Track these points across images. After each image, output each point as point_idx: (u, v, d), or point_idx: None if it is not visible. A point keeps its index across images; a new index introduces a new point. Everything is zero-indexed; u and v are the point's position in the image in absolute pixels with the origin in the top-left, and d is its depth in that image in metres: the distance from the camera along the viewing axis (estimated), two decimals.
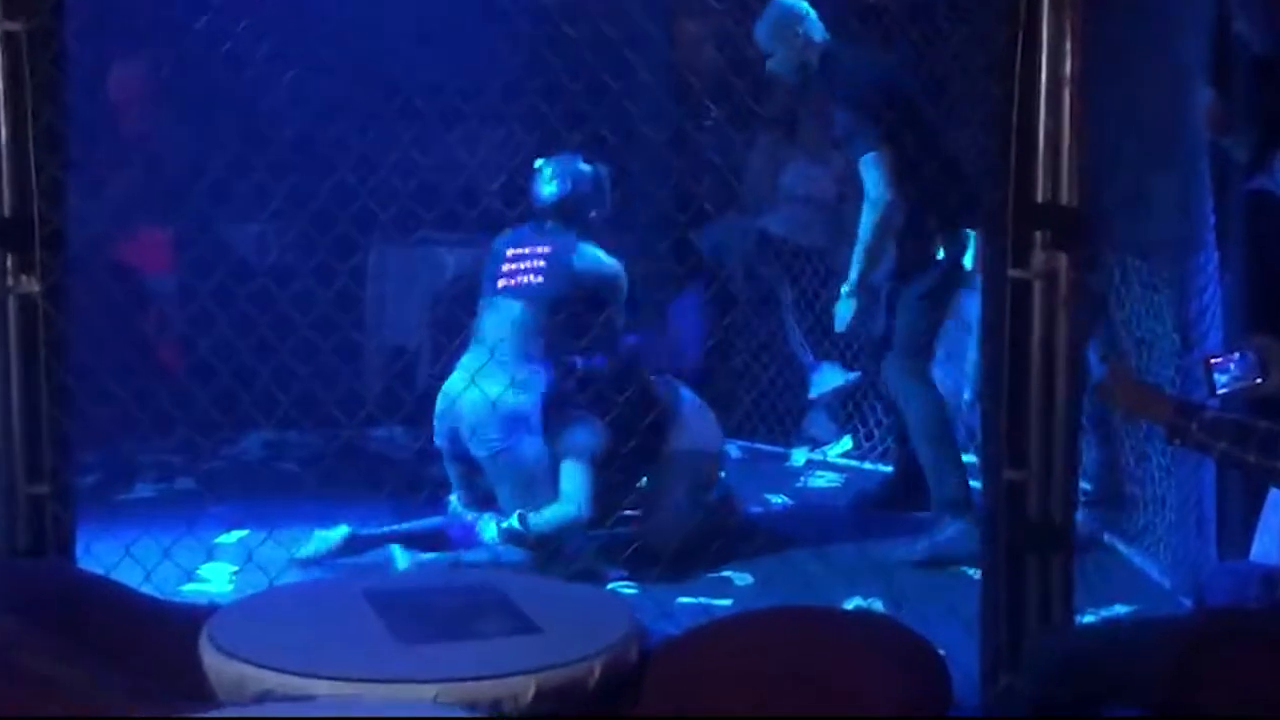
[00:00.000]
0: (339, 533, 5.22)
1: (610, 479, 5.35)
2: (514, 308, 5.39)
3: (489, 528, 5.26)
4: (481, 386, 5.18)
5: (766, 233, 6.96)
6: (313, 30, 6.19)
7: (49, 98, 3.54)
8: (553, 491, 5.28)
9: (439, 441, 5.41)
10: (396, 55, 6.17)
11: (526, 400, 5.26)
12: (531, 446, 5.26)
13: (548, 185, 5.49)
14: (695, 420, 5.52)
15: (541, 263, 5.45)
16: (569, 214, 5.47)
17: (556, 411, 5.35)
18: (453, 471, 5.43)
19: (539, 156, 5.60)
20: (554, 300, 5.37)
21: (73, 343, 3.68)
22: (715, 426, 5.66)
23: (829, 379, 6.61)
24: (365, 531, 5.30)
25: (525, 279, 5.43)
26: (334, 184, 5.27)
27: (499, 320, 5.38)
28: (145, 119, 6.91)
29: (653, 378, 5.56)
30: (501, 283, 5.46)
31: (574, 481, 5.29)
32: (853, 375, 6.60)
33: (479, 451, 5.27)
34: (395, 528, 5.40)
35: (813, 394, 6.62)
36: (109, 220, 6.72)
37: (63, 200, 3.58)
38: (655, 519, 5.40)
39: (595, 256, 5.46)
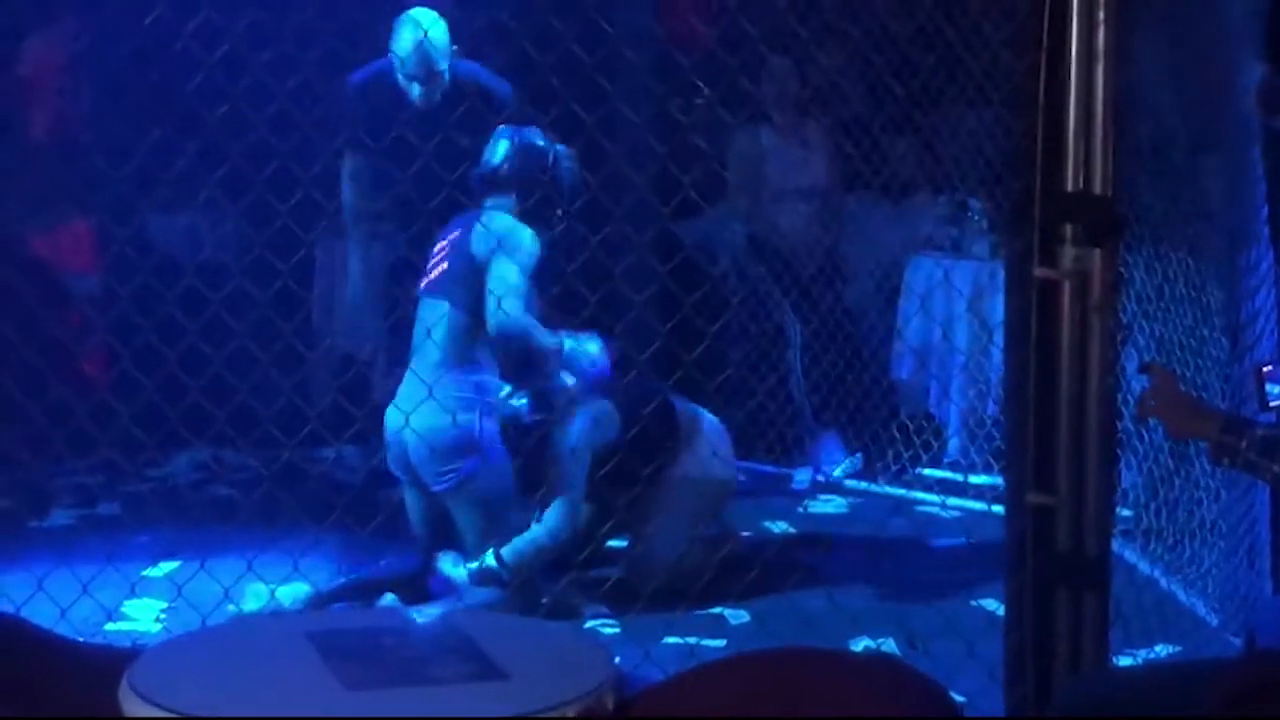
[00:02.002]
0: (296, 591, 5.18)
1: (604, 498, 5.36)
2: (439, 309, 5.35)
3: (447, 564, 5.25)
4: (415, 420, 5.15)
5: (757, 236, 7.02)
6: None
7: None
8: (522, 514, 5.28)
9: (393, 469, 5.41)
10: (343, 24, 6.17)
11: (471, 419, 5.23)
12: (491, 471, 5.24)
13: (491, 155, 5.46)
14: (711, 445, 5.53)
15: (448, 249, 5.40)
16: (504, 188, 5.39)
17: (543, 402, 5.33)
18: (411, 501, 5.42)
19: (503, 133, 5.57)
20: (461, 286, 5.30)
21: None
22: (731, 454, 5.68)
23: (832, 458, 6.70)
24: (330, 588, 5.28)
25: (437, 270, 5.40)
26: (274, 170, 5.26)
27: (425, 328, 5.34)
28: (62, 97, 6.90)
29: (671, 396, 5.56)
30: (424, 282, 5.43)
31: (559, 493, 5.27)
32: (857, 457, 6.69)
33: (436, 486, 5.27)
34: (362, 574, 5.38)
35: (802, 483, 6.70)
36: (21, 212, 6.71)
37: None
38: (644, 549, 5.40)
39: (505, 221, 5.34)
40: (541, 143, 5.47)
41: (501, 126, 5.55)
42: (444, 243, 5.44)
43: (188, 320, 5.29)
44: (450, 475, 5.23)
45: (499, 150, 5.46)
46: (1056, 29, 3.44)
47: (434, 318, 5.33)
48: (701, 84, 6.03)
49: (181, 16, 5.78)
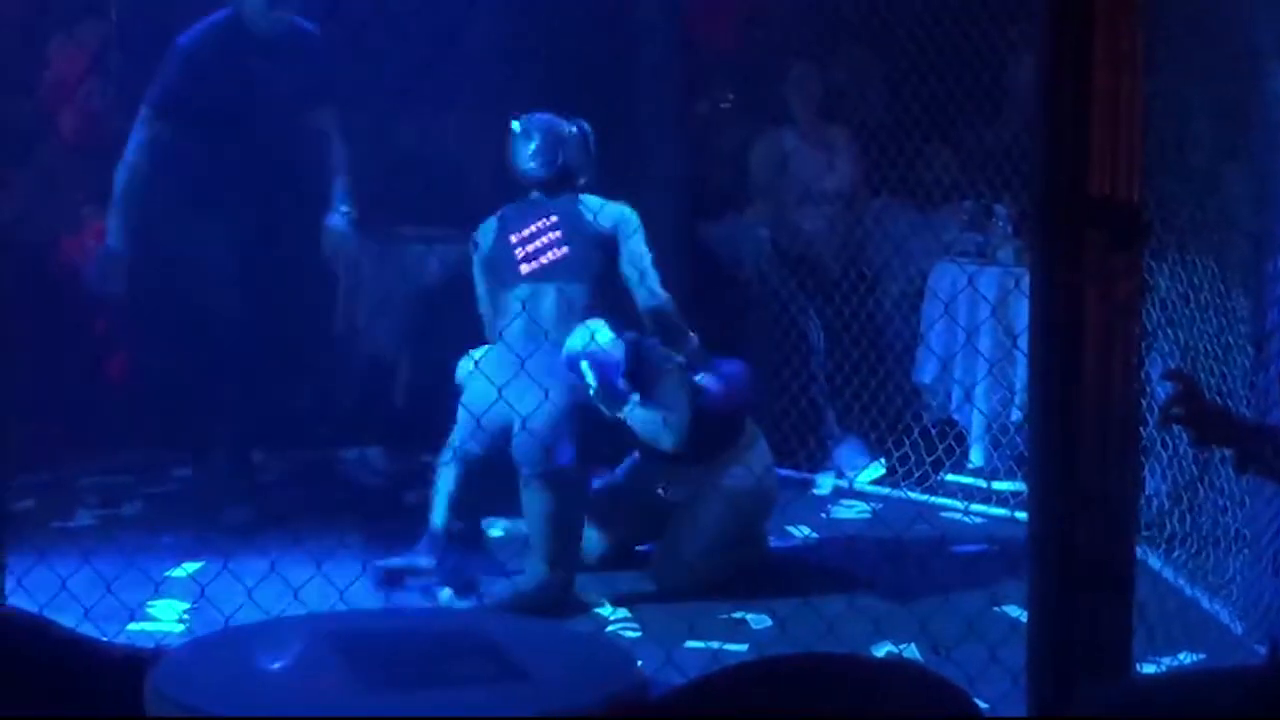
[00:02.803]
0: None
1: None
2: (548, 292, 5.37)
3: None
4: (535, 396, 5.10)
5: (780, 241, 7.02)
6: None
7: None
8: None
9: (464, 442, 5.35)
10: (364, 29, 6.19)
11: (572, 404, 5.21)
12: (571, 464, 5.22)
13: (531, 159, 5.46)
14: (765, 462, 5.54)
15: (557, 233, 5.42)
16: (559, 185, 5.46)
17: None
18: (454, 476, 5.37)
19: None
20: (589, 267, 5.37)
21: (7, 352, 3.68)
22: (775, 470, 5.68)
23: (854, 464, 6.68)
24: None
25: (550, 256, 5.41)
26: (300, 174, 5.28)
27: (540, 312, 5.33)
28: (89, 97, 6.91)
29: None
30: (525, 268, 5.43)
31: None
32: (879, 463, 6.67)
33: (529, 470, 5.21)
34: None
35: (824, 488, 6.69)
36: (48, 213, 6.72)
37: None
38: (674, 550, 5.40)
39: (599, 201, 5.46)
40: (570, 128, 5.51)
41: (516, 121, 5.54)
42: (533, 229, 5.44)
43: (216, 321, 5.32)
44: (543, 463, 5.16)
45: (536, 153, 5.46)
46: (1082, 33, 3.43)
47: (548, 300, 5.36)
48: (727, 87, 6.03)
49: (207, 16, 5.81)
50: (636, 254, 5.40)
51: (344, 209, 5.99)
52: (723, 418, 5.38)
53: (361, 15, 5.98)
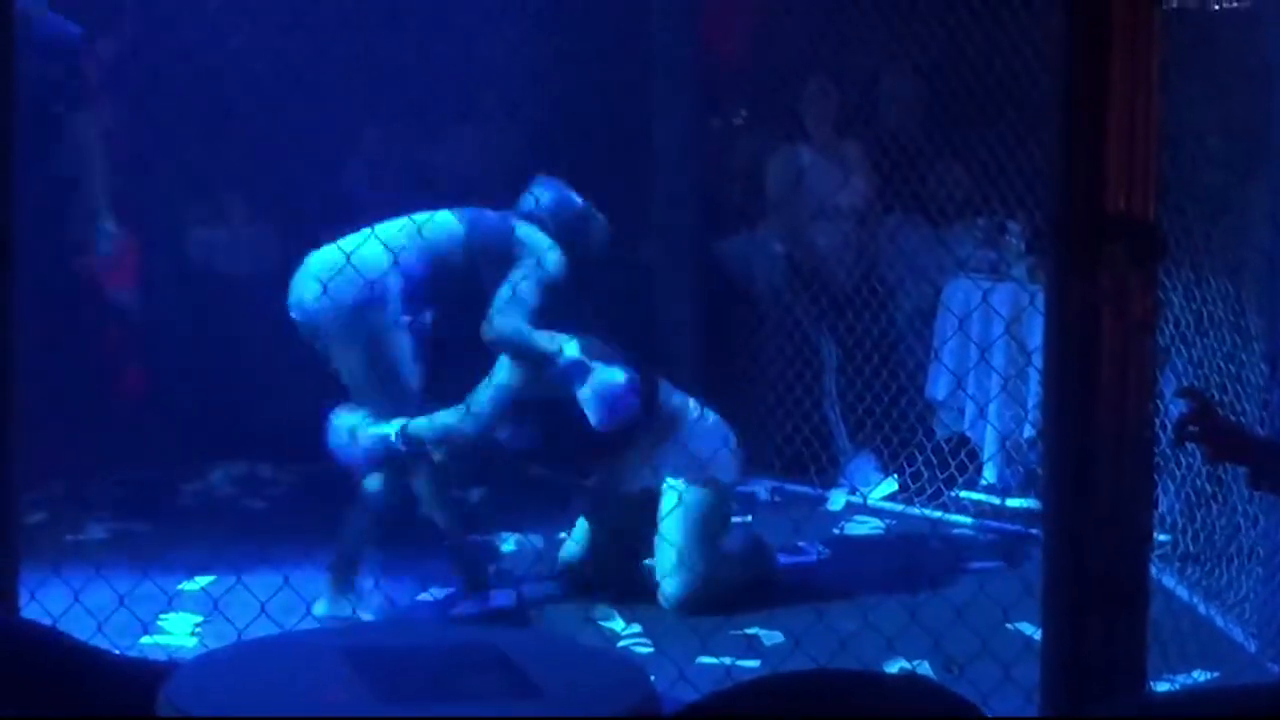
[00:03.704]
0: None
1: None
2: None
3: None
4: None
5: (793, 257, 7.02)
6: (285, 20, 6.23)
7: None
8: None
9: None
10: (381, 47, 6.21)
11: None
12: None
13: (530, 201, 5.52)
14: (704, 442, 5.49)
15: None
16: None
17: None
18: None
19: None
20: None
21: (22, 365, 3.68)
22: (734, 456, 5.63)
23: (867, 480, 6.67)
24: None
25: None
26: (311, 186, 5.29)
27: None
28: (108, 112, 6.93)
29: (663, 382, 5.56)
30: None
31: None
32: (892, 479, 6.67)
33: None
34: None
35: (836, 504, 6.68)
36: (63, 226, 6.73)
37: (9, 206, 3.57)
38: (662, 568, 5.40)
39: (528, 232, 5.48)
40: (579, 202, 5.53)
41: (542, 177, 5.59)
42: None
43: (227, 333, 5.33)
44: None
45: (541, 200, 5.50)
46: (1099, 50, 3.43)
47: None
48: (740, 103, 6.03)
49: (224, 31, 5.84)
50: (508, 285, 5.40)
51: (105, 226, 5.96)
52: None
53: (380, 28, 6.00)
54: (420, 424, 5.27)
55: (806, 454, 6.96)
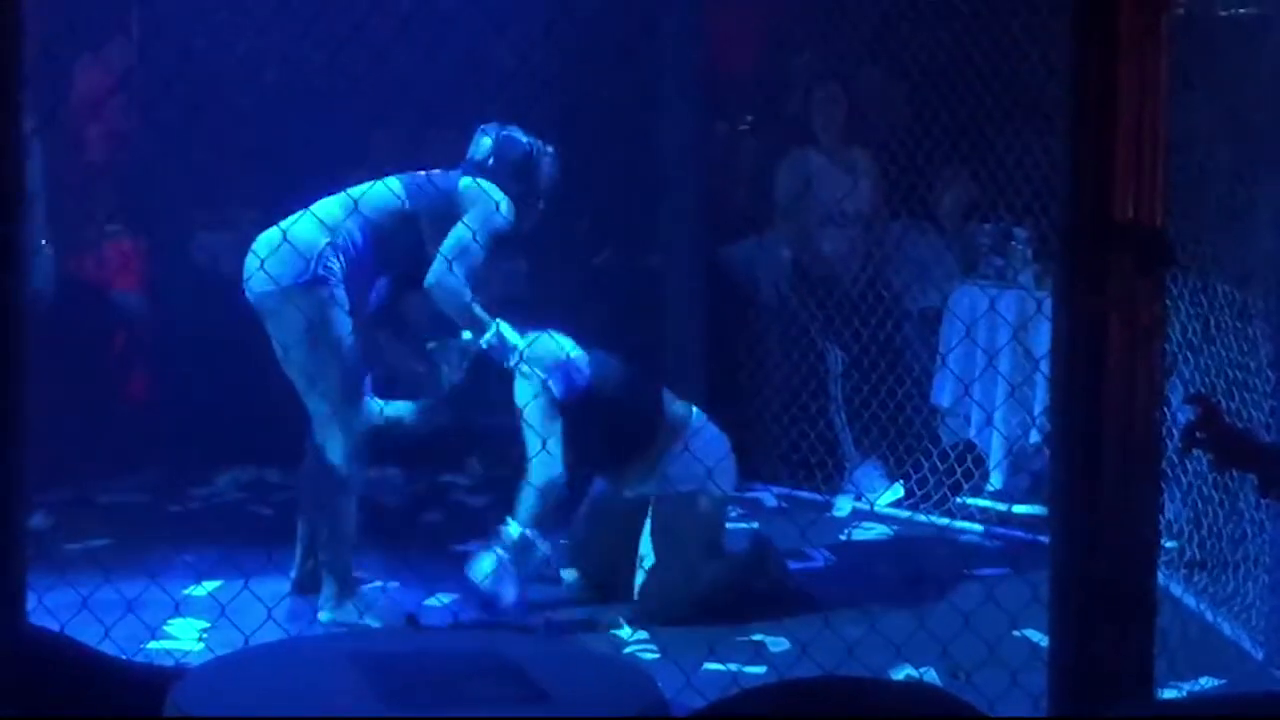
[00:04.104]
0: None
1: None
2: None
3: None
4: None
5: (800, 263, 7.02)
6: (293, 23, 6.22)
7: (1, 96, 3.55)
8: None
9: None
10: (389, 51, 6.21)
11: None
12: None
13: (474, 150, 5.52)
14: (707, 451, 5.48)
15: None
16: (488, 178, 5.45)
17: None
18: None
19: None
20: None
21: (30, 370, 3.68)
22: (729, 466, 5.61)
23: (873, 486, 6.67)
24: None
25: None
26: (318, 191, 5.29)
27: None
28: (117, 117, 6.95)
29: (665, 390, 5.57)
30: None
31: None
32: (898, 485, 6.66)
33: None
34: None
35: (842, 511, 6.68)
36: (71, 231, 6.75)
37: (17, 210, 3.58)
38: (655, 578, 5.40)
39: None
40: (524, 139, 5.51)
41: (484, 125, 5.57)
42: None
43: (235, 337, 5.32)
44: None
45: (482, 145, 5.50)
46: (1107, 58, 3.43)
47: None
48: (746, 108, 6.03)
49: (232, 37, 5.84)
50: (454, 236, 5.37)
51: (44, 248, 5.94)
52: (624, 413, 5.38)
53: (387, 37, 6.00)
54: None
55: (813, 460, 6.96)
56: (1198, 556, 5.51)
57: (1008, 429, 6.64)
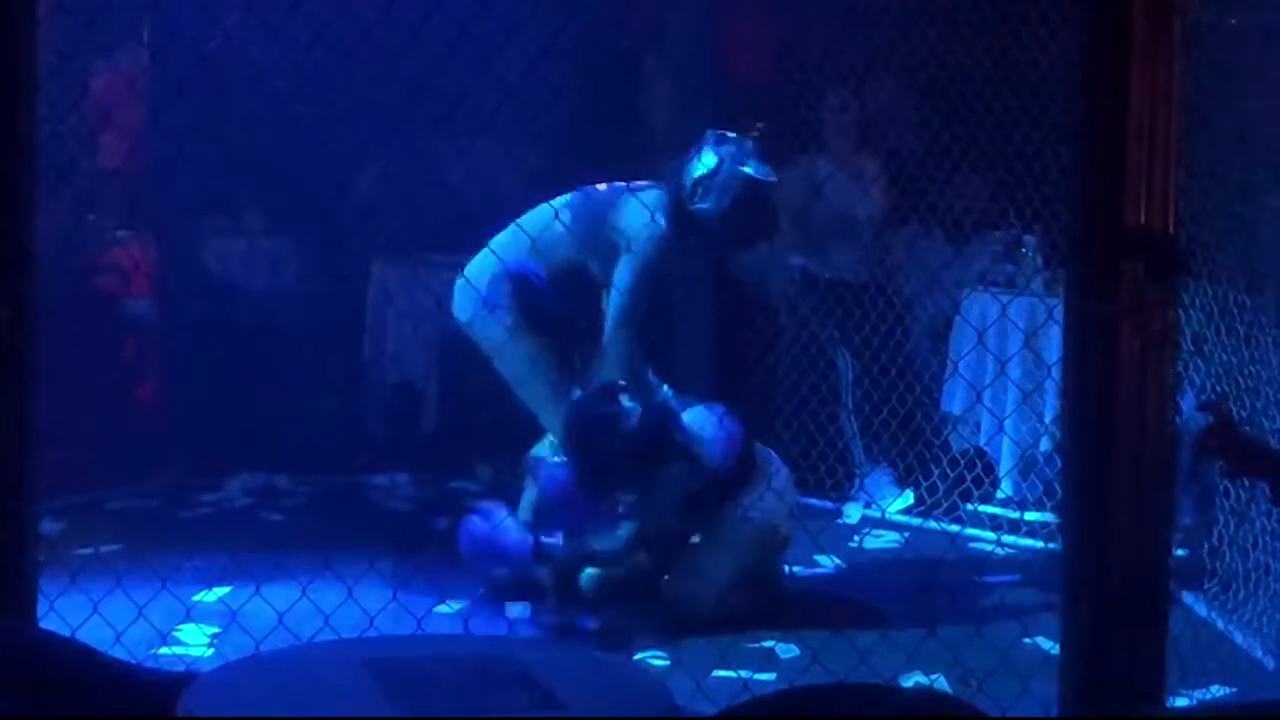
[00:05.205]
0: None
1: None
2: None
3: None
4: None
5: (810, 271, 7.02)
6: (309, 33, 6.24)
7: (15, 99, 3.56)
8: None
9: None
10: (405, 62, 6.23)
11: None
12: None
13: (695, 167, 5.51)
14: (779, 494, 5.50)
15: None
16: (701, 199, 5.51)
17: None
18: None
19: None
20: None
21: (41, 376, 3.69)
22: (795, 508, 5.66)
23: (883, 493, 6.67)
24: None
25: None
26: (329, 199, 5.31)
27: None
28: (129, 126, 6.95)
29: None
30: None
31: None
32: (909, 493, 6.66)
33: None
34: None
35: (853, 518, 6.68)
36: (82, 237, 6.76)
37: (31, 215, 3.59)
38: (688, 583, 5.40)
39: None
40: (747, 172, 5.51)
41: (714, 133, 5.57)
42: None
43: (244, 345, 5.33)
44: None
45: (705, 162, 5.51)
46: (1119, 64, 3.43)
47: None
48: (757, 116, 6.03)
49: (243, 44, 5.85)
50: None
51: None
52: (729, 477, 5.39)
53: (399, 44, 6.01)
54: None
55: (823, 467, 6.96)
56: (1208, 565, 5.49)
57: (1019, 436, 6.63)
